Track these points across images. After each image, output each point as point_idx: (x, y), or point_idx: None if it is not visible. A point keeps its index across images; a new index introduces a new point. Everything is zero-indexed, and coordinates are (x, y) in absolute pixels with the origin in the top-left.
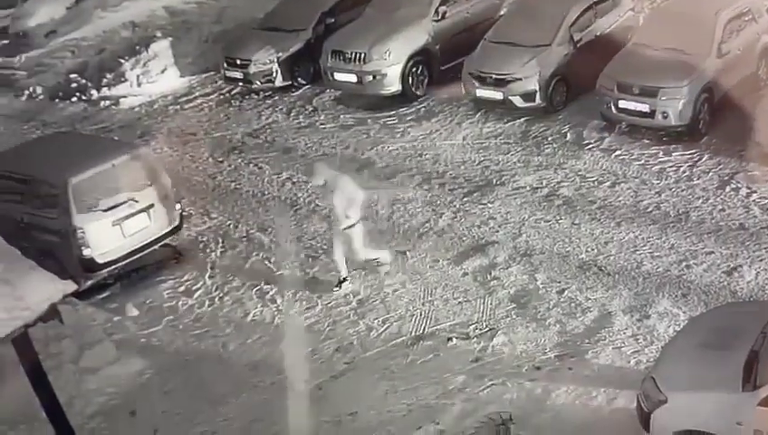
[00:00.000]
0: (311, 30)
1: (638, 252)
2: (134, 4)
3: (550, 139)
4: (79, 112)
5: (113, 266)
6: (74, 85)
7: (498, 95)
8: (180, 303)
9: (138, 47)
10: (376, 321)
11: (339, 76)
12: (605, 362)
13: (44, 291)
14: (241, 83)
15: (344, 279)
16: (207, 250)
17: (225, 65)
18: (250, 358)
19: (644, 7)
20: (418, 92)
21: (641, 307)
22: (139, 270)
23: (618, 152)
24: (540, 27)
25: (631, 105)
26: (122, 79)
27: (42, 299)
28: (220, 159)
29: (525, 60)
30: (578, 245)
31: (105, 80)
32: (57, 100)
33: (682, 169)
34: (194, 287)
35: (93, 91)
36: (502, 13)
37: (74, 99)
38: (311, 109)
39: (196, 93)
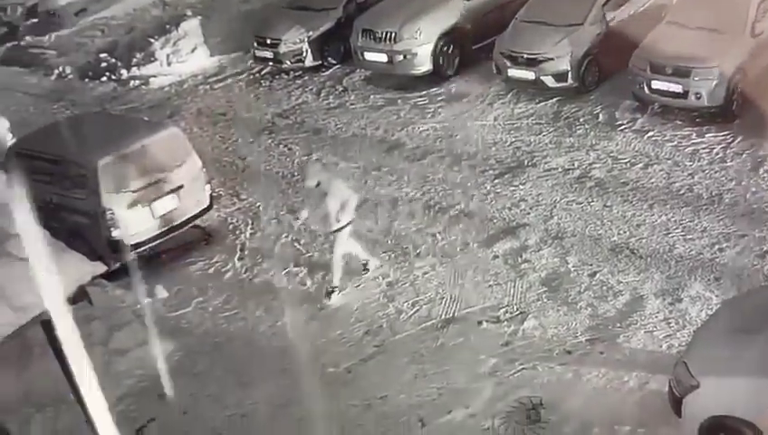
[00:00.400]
0: (341, 9)
1: (670, 235)
2: None
3: (582, 119)
4: (108, 92)
5: (142, 248)
6: (104, 65)
7: (530, 75)
8: (210, 284)
9: (168, 26)
10: (405, 304)
11: (369, 56)
12: (637, 347)
13: (74, 272)
14: (271, 63)
15: (333, 289)
16: (237, 232)
17: (255, 45)
18: (279, 341)
19: None
20: (449, 72)
21: (673, 291)
22: (169, 251)
23: (650, 133)
24: (572, 6)
25: (664, 85)
26: (152, 58)
27: (71, 281)
28: (250, 140)
29: (557, 39)
30: (610, 227)
31: (135, 59)
32: (87, 79)
33: (715, 150)
34: (223, 269)
35: (123, 71)
36: None
37: (104, 78)
38: (341, 89)
39: (226, 73)
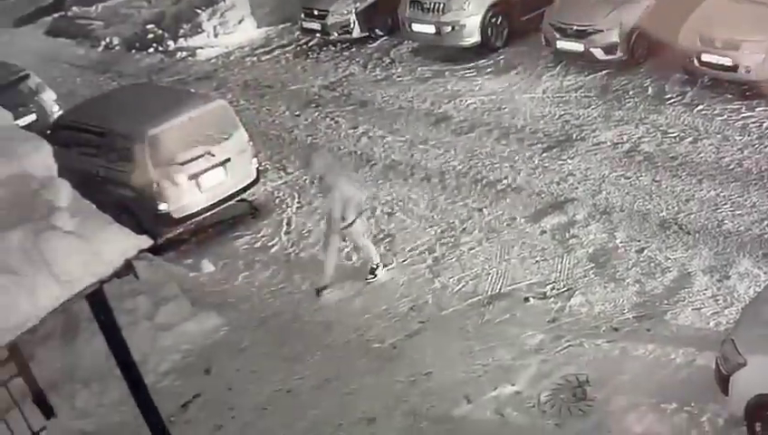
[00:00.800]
0: None
1: (719, 210)
2: None
3: (631, 93)
4: (155, 64)
5: (189, 221)
6: (151, 36)
7: (579, 47)
8: (256, 259)
9: None
10: (451, 279)
11: (417, 27)
12: (684, 324)
13: (120, 246)
14: (318, 35)
15: (325, 287)
16: (283, 205)
17: (303, 16)
18: (325, 316)
19: None
20: (498, 44)
21: (722, 267)
22: (216, 225)
23: (700, 107)
24: None
25: (714, 58)
26: (199, 30)
27: (117, 254)
28: (297, 113)
29: (607, 11)
30: (658, 202)
31: (182, 30)
32: (133, 51)
33: (765, 124)
34: (270, 243)
35: (170, 42)
36: None
37: (151, 50)
38: (388, 61)
39: (274, 45)
